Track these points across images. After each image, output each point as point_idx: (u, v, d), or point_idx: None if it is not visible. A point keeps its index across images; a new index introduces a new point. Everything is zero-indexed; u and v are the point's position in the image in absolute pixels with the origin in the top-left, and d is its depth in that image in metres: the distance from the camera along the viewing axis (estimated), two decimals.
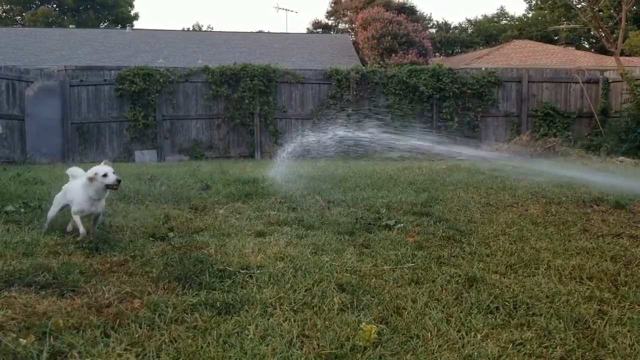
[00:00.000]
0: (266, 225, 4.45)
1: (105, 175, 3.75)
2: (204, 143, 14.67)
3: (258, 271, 3.10)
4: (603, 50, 24.90)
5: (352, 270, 3.18)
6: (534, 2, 45.41)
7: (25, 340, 2.14)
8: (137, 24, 44.55)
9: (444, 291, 2.83)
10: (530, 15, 45.91)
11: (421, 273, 3.15)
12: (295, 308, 2.58)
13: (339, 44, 27.78)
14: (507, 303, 2.65)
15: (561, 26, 34.37)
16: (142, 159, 13.86)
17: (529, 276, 3.12)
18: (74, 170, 4.10)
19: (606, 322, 2.44)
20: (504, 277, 3.08)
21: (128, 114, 14.11)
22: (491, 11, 74.94)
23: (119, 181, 3.80)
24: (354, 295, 2.75)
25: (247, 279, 2.99)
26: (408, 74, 15.15)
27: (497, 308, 2.60)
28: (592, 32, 32.91)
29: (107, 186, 3.80)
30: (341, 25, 40.89)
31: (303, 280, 2.97)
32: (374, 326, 2.29)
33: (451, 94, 15.06)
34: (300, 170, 7.66)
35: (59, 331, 2.26)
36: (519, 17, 47.35)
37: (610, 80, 15.22)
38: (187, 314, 2.49)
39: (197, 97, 14.65)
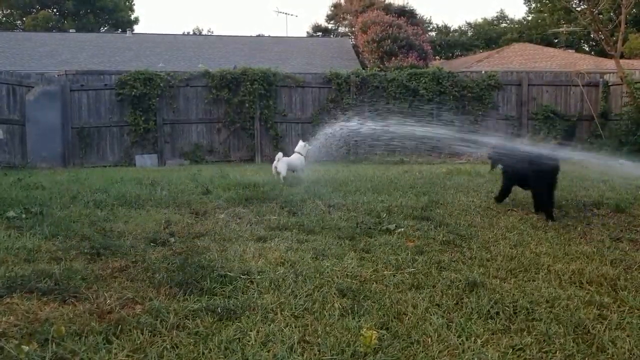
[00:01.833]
0: (267, 230, 4.46)
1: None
2: (204, 147, 14.69)
3: (259, 276, 3.11)
4: (603, 53, 24.95)
5: (352, 276, 3.19)
6: (533, 5, 45.49)
7: (27, 347, 2.15)
8: (137, 28, 44.59)
9: (444, 296, 2.84)
10: (530, 18, 46.00)
11: (422, 278, 3.15)
12: (296, 313, 2.59)
13: (338, 47, 27.84)
14: (507, 308, 2.66)
15: (561, 29, 34.42)
16: (142, 163, 13.88)
17: (529, 281, 3.13)
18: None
19: (606, 327, 2.45)
20: (504, 282, 3.09)
21: (129, 118, 14.13)
22: (491, 14, 75.03)
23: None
24: (354, 301, 2.76)
25: (248, 285, 3.00)
26: (408, 77, 15.17)
27: (498, 313, 2.61)
28: (591, 35, 32.94)
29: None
30: (341, 29, 40.95)
31: (304, 285, 2.98)
32: (374, 332, 2.30)
33: (451, 97, 15.08)
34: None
35: (61, 337, 2.27)
36: (518, 20, 47.47)
37: (610, 83, 15.23)
38: (188, 319, 2.50)
39: (198, 101, 14.68)
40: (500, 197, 5.76)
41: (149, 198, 5.91)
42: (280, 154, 7.71)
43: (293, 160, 7.80)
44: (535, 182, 5.17)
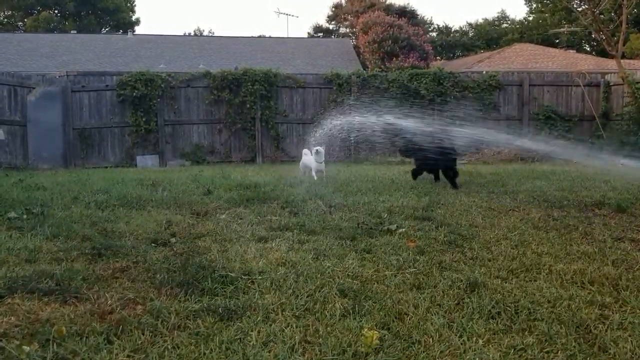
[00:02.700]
0: (268, 230, 4.46)
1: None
2: (205, 148, 14.70)
3: (260, 277, 3.11)
4: (604, 53, 24.93)
5: (353, 276, 3.18)
6: (534, 5, 45.48)
7: (28, 347, 2.15)
8: (138, 29, 44.67)
9: (445, 296, 2.84)
10: (531, 18, 45.98)
11: (423, 278, 3.15)
12: (297, 314, 2.59)
13: (339, 48, 27.82)
14: (508, 308, 2.66)
15: (562, 29, 34.40)
16: (144, 164, 13.88)
17: (531, 281, 3.12)
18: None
19: (607, 327, 2.45)
20: (506, 282, 3.08)
21: (130, 119, 14.15)
22: (492, 14, 75.00)
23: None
24: (355, 301, 2.75)
25: (249, 285, 3.00)
26: (409, 77, 15.17)
27: (499, 313, 2.60)
28: (592, 35, 32.94)
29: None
30: (342, 30, 40.97)
31: (305, 285, 2.97)
32: (375, 332, 2.30)
33: (452, 97, 15.07)
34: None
35: (62, 338, 2.27)
36: (519, 21, 47.46)
37: (611, 84, 15.22)
38: (189, 320, 2.50)
39: (199, 101, 14.69)
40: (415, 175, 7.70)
41: (150, 199, 5.92)
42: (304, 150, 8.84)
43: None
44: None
